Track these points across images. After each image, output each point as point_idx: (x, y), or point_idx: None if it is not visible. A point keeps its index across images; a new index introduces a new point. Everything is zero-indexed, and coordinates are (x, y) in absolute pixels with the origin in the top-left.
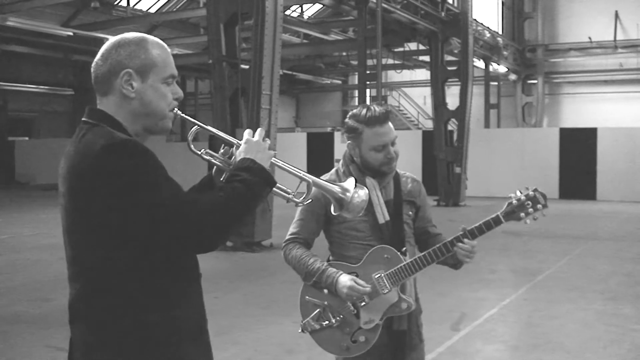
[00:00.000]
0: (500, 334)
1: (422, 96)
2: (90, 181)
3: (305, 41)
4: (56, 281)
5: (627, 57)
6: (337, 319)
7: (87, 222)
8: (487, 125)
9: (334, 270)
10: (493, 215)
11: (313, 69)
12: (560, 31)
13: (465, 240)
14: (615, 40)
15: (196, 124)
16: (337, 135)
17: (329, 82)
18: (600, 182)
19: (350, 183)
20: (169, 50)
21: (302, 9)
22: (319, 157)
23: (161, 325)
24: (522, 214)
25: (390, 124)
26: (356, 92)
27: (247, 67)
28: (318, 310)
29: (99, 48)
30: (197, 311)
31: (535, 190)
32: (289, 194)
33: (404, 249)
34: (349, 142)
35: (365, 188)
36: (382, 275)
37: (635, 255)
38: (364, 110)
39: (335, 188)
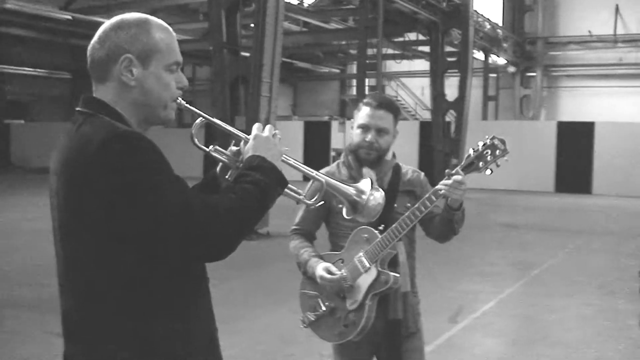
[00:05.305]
0: (499, 327)
1: (420, 87)
2: (88, 179)
3: (304, 29)
4: (54, 266)
5: (627, 52)
6: (328, 305)
7: (84, 225)
8: (484, 117)
9: (315, 260)
10: (452, 171)
11: (311, 57)
12: (561, 24)
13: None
14: (615, 34)
15: (202, 116)
16: (334, 125)
17: (327, 70)
18: (597, 177)
19: (366, 184)
20: (173, 33)
21: None
22: (316, 146)
23: (166, 339)
24: (481, 163)
25: (383, 112)
26: (354, 82)
27: (247, 54)
28: (312, 301)
29: None
30: (207, 321)
31: (493, 137)
32: (299, 194)
33: (381, 226)
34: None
35: (381, 190)
36: (362, 254)
37: (631, 251)
38: (371, 95)
39: (351, 190)
